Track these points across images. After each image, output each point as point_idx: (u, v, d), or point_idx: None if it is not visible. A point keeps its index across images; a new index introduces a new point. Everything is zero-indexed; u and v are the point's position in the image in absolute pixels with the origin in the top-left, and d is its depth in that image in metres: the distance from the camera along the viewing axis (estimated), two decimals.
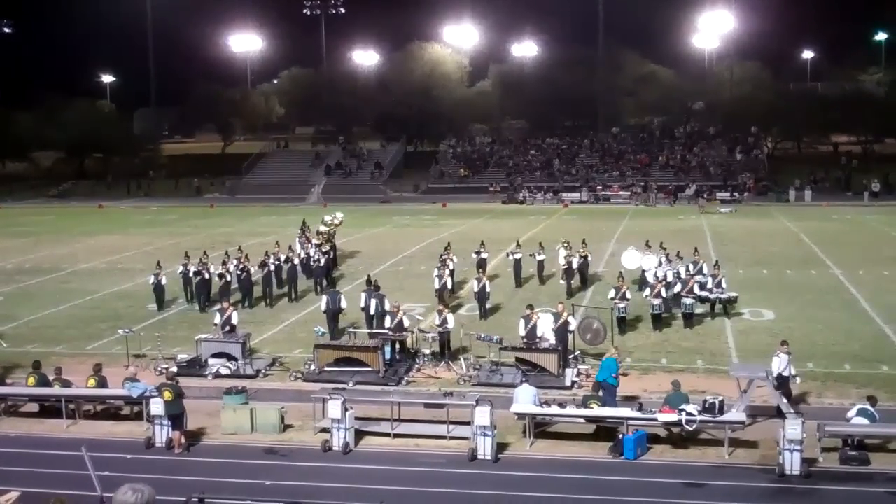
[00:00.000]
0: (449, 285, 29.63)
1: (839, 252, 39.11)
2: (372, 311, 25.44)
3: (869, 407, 17.19)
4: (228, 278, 29.98)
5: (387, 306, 25.31)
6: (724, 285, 27.57)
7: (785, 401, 17.93)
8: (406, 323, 23.27)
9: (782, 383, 18.83)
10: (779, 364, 19.01)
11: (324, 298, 26.79)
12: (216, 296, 29.70)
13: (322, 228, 35.40)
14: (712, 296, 27.30)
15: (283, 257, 32.14)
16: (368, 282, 27.20)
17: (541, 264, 33.11)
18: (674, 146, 78.33)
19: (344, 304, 26.19)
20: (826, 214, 55.22)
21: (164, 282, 30.02)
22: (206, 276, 29.99)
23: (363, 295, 26.07)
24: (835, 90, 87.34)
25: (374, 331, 24.16)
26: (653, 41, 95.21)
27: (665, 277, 27.55)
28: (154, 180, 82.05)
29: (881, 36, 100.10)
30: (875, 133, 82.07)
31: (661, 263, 29.43)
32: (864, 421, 16.88)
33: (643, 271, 30.30)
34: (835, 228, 48.80)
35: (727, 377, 19.91)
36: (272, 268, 31.22)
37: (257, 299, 30.69)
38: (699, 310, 27.01)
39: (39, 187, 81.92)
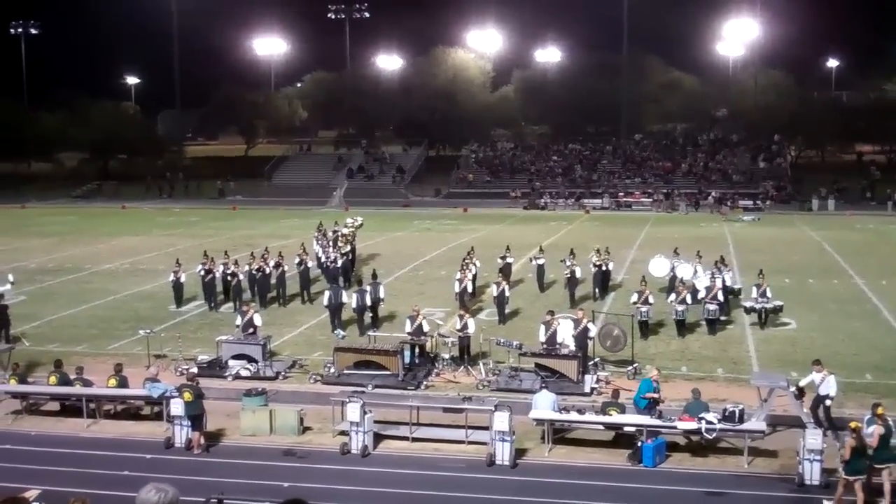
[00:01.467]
0: (470, 289, 29.62)
1: (862, 262, 38.75)
2: (354, 305, 26.12)
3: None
4: (241, 278, 30.24)
5: (367, 301, 25.79)
6: (768, 294, 27.10)
7: (806, 411, 17.81)
8: (426, 327, 23.30)
9: (815, 402, 18.43)
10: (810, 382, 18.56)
11: (326, 294, 27.25)
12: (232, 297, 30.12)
13: (344, 231, 35.55)
14: (758, 306, 26.85)
15: (297, 260, 32.22)
16: (359, 282, 27.35)
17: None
18: (697, 153, 77.96)
19: (345, 300, 26.85)
20: (849, 224, 54.72)
21: (182, 279, 30.39)
22: (217, 275, 30.33)
23: (354, 296, 26.55)
24: (859, 99, 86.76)
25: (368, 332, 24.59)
26: (677, 48, 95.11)
27: (714, 284, 27.23)
28: (172, 182, 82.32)
29: None
30: None
31: (696, 272, 29.25)
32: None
33: (672, 277, 30.11)
34: (858, 238, 48.35)
35: (748, 386, 19.83)
36: (286, 269, 31.36)
37: (272, 299, 30.82)
38: (723, 317, 26.89)
39: (64, 188, 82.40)
